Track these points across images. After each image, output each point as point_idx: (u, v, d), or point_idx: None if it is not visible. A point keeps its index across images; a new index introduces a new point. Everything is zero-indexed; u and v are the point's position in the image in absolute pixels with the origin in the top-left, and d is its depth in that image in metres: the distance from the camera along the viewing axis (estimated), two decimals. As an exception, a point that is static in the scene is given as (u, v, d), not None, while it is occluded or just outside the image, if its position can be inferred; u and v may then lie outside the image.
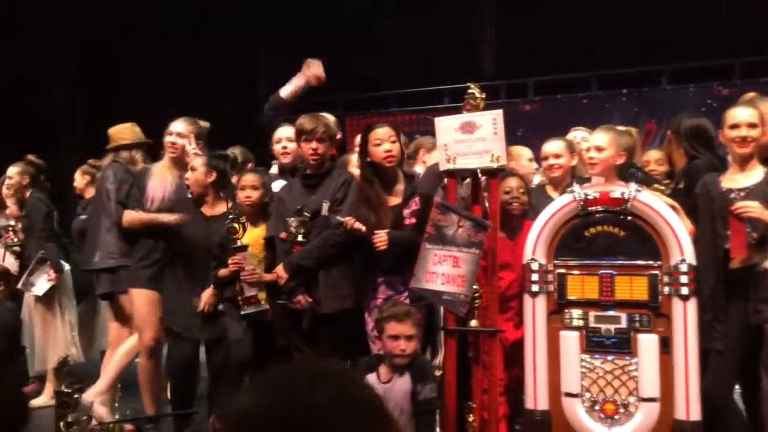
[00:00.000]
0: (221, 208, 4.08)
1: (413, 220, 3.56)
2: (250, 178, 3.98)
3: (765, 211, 3.06)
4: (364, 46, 8.22)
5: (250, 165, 4.62)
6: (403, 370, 3.20)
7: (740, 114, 3.24)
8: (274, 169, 4.49)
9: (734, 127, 3.22)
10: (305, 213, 3.66)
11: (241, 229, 3.83)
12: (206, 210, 4.09)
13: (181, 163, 4.27)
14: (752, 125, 3.21)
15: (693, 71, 7.22)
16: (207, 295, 3.92)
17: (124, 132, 4.50)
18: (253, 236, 3.89)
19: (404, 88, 8.37)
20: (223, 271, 3.86)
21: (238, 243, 3.80)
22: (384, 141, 3.59)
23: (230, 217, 3.85)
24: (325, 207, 3.68)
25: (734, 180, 3.25)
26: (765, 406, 3.23)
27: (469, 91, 3.30)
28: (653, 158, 4.20)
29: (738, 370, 3.27)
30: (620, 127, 4.03)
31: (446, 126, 3.29)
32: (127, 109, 5.37)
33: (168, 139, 4.27)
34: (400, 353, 3.16)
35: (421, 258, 3.21)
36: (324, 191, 3.74)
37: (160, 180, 4.22)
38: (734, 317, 3.14)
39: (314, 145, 3.73)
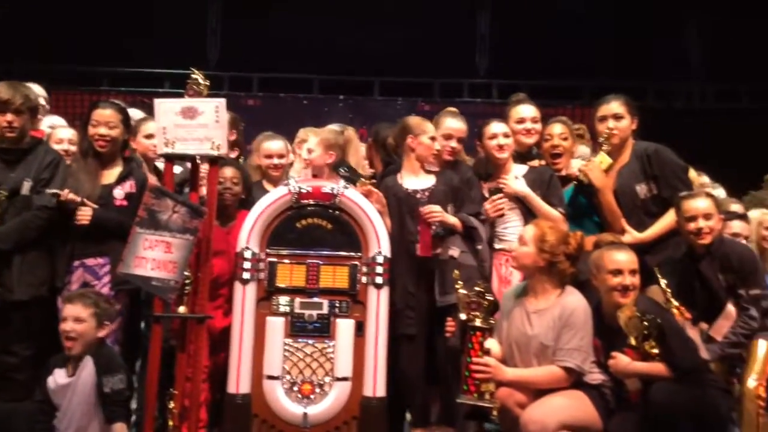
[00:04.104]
0: None
1: (125, 203, 3.49)
2: None
3: (445, 213, 3.49)
4: (84, 18, 7.64)
5: None
6: (82, 361, 3.09)
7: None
8: None
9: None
10: (2, 191, 3.40)
11: None
12: None
13: None
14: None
15: (401, 86, 7.92)
16: None
17: None
18: None
19: (123, 66, 7.94)
20: None
21: None
22: (100, 124, 3.52)
23: None
24: (26, 186, 3.45)
25: (414, 182, 3.63)
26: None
27: (193, 76, 3.28)
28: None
29: (427, 352, 3.58)
30: (337, 127, 4.33)
31: (166, 108, 3.22)
32: None
33: None
34: (64, 335, 3.09)
35: (131, 242, 3.11)
36: (26, 169, 3.49)
37: None
38: (423, 302, 3.49)
39: (9, 117, 3.48)
